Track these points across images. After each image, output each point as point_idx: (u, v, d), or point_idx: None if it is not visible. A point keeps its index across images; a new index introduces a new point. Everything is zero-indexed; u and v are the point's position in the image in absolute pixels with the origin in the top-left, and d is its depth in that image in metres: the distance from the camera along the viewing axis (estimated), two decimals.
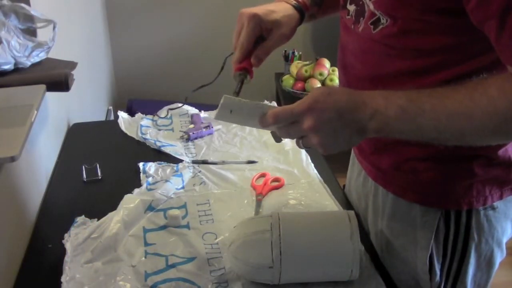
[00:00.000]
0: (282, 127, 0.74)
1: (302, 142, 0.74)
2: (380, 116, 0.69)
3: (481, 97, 0.64)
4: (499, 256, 0.90)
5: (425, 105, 0.67)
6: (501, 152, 0.82)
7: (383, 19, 0.75)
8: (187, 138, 1.30)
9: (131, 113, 1.46)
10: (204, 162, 1.20)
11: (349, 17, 0.85)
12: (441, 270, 0.89)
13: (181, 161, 1.21)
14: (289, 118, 0.73)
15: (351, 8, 0.84)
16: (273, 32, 0.87)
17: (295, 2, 0.91)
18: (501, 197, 0.84)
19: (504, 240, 0.90)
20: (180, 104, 1.43)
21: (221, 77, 0.99)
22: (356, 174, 1.04)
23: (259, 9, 0.86)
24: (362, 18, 0.80)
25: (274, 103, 1.49)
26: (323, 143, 0.72)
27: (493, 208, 0.85)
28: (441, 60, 0.75)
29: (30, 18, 1.02)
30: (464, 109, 0.65)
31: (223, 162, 1.21)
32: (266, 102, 1.49)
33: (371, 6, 0.76)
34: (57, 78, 1.01)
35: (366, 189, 0.99)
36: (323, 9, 0.99)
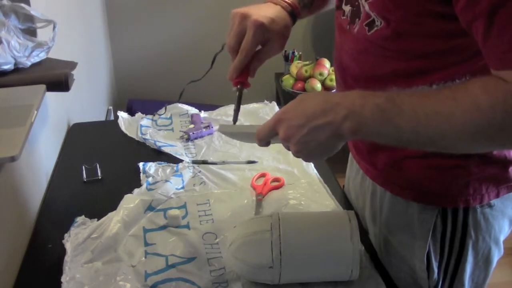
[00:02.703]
0: (266, 141, 0.78)
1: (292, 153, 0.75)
2: (355, 116, 0.67)
3: (463, 96, 0.62)
4: (496, 254, 0.91)
5: (405, 105, 0.65)
6: (497, 151, 0.82)
7: (377, 21, 0.75)
8: (187, 138, 1.31)
9: (131, 113, 1.46)
10: (204, 162, 1.20)
11: (344, 17, 0.85)
12: (439, 268, 0.89)
13: (181, 161, 1.21)
14: (268, 133, 0.75)
15: (347, 8, 0.84)
16: (272, 43, 0.88)
17: (290, 7, 0.90)
18: (497, 195, 0.85)
19: (502, 238, 0.90)
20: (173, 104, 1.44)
21: (214, 74, 1.00)
22: (354, 173, 1.04)
23: (263, 17, 0.84)
24: (357, 19, 0.80)
25: (274, 104, 1.49)
26: (299, 150, 0.72)
27: (490, 206, 0.85)
28: (436, 62, 0.75)
29: (30, 18, 1.02)
30: (445, 108, 0.63)
31: (223, 162, 1.21)
32: (266, 101, 1.49)
33: (367, 7, 0.76)
34: (57, 78, 1.01)
35: (364, 188, 0.99)
36: (311, 11, 1.00)
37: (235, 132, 0.89)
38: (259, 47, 0.89)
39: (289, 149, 0.75)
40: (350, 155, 1.07)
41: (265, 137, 0.76)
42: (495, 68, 0.62)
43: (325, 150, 0.72)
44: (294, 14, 0.91)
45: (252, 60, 0.88)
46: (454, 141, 0.65)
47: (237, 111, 0.89)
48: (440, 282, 0.91)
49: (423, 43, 0.74)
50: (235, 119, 0.89)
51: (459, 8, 0.64)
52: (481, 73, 0.64)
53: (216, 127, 1.35)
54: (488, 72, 0.63)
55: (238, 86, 0.89)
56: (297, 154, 0.74)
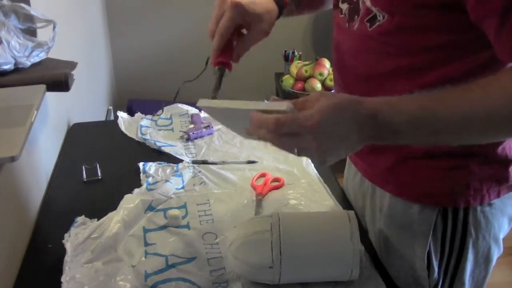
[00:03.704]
0: (277, 135, 0.66)
1: (296, 153, 0.68)
2: (390, 128, 0.65)
3: (499, 92, 0.62)
4: (496, 253, 0.91)
5: (440, 110, 0.64)
6: (499, 150, 0.82)
7: (379, 15, 0.75)
8: (187, 138, 1.31)
9: (131, 113, 1.46)
10: (204, 162, 1.20)
11: (342, 16, 0.85)
12: (439, 267, 0.89)
13: (181, 161, 1.21)
14: (290, 131, 0.65)
15: (344, 6, 0.84)
16: (253, 27, 0.85)
17: None
18: (498, 195, 0.85)
19: (501, 236, 0.90)
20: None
21: (211, 71, 0.99)
22: (352, 174, 1.04)
23: None
24: (357, 16, 0.80)
25: (274, 97, 1.48)
26: (324, 161, 0.68)
27: (490, 205, 0.85)
28: (438, 57, 0.75)
29: (30, 18, 1.02)
30: (482, 108, 0.63)
31: (223, 162, 1.21)
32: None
33: (368, 3, 0.76)
34: (57, 78, 1.01)
35: (363, 188, 0.99)
36: (301, 7, 0.99)
37: (218, 108, 0.75)
38: (245, 32, 0.86)
39: (286, 147, 0.69)
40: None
41: (287, 130, 0.65)
42: (510, 60, 0.64)
43: (344, 154, 0.69)
44: (280, 3, 0.88)
45: (237, 45, 0.86)
46: (490, 136, 0.68)
47: (216, 90, 0.84)
48: (441, 281, 0.91)
49: (426, 37, 0.74)
50: (214, 97, 0.85)
51: (470, 4, 0.65)
52: (485, 67, 0.66)
53: (216, 127, 1.35)
54: (494, 65, 0.65)
55: (219, 67, 0.85)
56: (317, 161, 0.69)
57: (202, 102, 0.76)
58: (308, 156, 0.70)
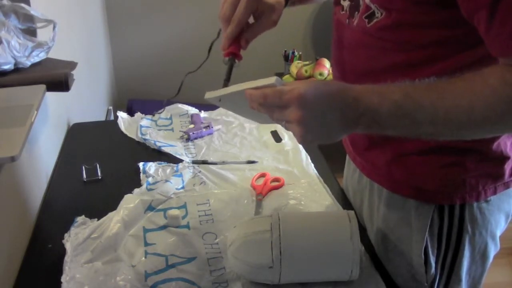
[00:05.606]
0: (268, 108, 0.70)
1: (284, 126, 0.71)
2: (372, 113, 0.67)
3: (482, 88, 0.63)
4: (493, 249, 0.91)
5: (423, 100, 0.66)
6: (494, 146, 0.82)
7: (377, 12, 0.76)
8: (187, 138, 1.31)
9: (131, 113, 1.46)
10: (204, 162, 1.21)
11: (343, 12, 0.86)
12: (436, 263, 0.90)
13: (181, 161, 1.21)
14: (277, 102, 0.69)
15: (345, 3, 0.85)
16: (264, 17, 0.87)
17: None
18: (494, 193, 0.85)
19: (498, 233, 0.90)
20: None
21: (213, 68, 0.98)
22: (351, 170, 1.05)
23: None
24: (357, 13, 0.81)
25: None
26: (304, 136, 0.69)
27: (486, 201, 0.86)
28: (436, 52, 0.75)
29: (30, 18, 1.02)
30: (464, 102, 0.64)
31: (223, 162, 1.21)
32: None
33: (367, 0, 0.77)
34: (57, 78, 1.01)
35: (361, 185, 1.00)
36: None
37: (225, 95, 0.78)
38: (252, 20, 0.87)
39: (275, 120, 0.71)
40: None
41: (271, 103, 0.69)
42: (505, 55, 0.64)
43: (328, 139, 0.71)
44: None
45: (246, 31, 0.86)
46: (473, 130, 0.67)
47: (227, 81, 0.85)
48: (438, 277, 0.91)
49: (423, 33, 0.74)
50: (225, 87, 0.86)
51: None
52: (482, 62, 0.65)
53: (216, 127, 1.35)
54: (489, 61, 0.65)
55: (229, 57, 0.86)
56: (298, 138, 0.70)
57: (208, 94, 0.79)
58: (292, 131, 0.70)
